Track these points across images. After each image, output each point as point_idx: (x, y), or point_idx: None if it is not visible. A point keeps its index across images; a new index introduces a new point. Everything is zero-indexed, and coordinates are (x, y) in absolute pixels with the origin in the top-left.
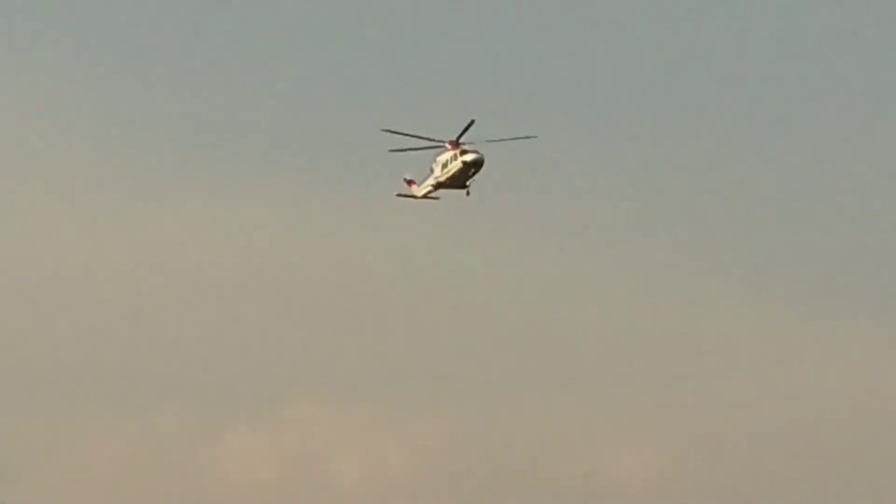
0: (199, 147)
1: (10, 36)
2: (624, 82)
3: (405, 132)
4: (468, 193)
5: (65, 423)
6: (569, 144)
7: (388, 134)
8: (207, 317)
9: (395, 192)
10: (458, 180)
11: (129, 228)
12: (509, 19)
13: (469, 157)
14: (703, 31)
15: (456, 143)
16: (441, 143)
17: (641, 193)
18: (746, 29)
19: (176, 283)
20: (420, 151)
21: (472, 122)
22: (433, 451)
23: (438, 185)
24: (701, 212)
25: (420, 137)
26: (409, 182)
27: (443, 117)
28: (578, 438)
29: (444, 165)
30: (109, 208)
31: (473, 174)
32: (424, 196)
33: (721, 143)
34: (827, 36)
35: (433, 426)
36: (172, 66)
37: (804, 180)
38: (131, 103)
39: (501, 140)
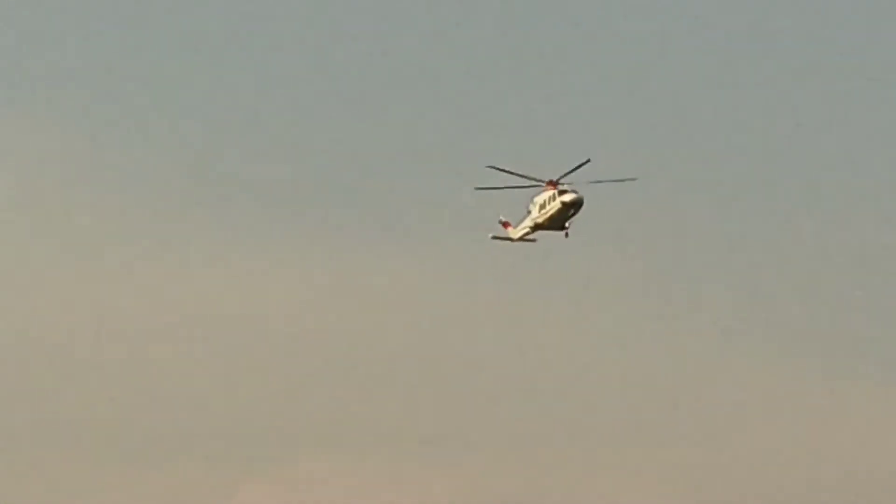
0: (231, 198)
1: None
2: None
3: (508, 170)
4: (567, 235)
5: (79, 478)
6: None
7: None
8: (223, 372)
9: (491, 235)
10: (557, 221)
11: (149, 279)
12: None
13: (568, 198)
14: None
15: (554, 183)
16: (539, 183)
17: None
18: None
19: (194, 338)
20: (504, 190)
21: (587, 161)
22: None
23: (536, 227)
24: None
25: (519, 175)
26: (505, 224)
27: (533, 156)
28: (588, 495)
29: (543, 206)
30: (127, 262)
31: (572, 215)
32: (521, 238)
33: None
34: None
35: (446, 482)
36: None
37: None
38: (148, 152)
39: (600, 182)
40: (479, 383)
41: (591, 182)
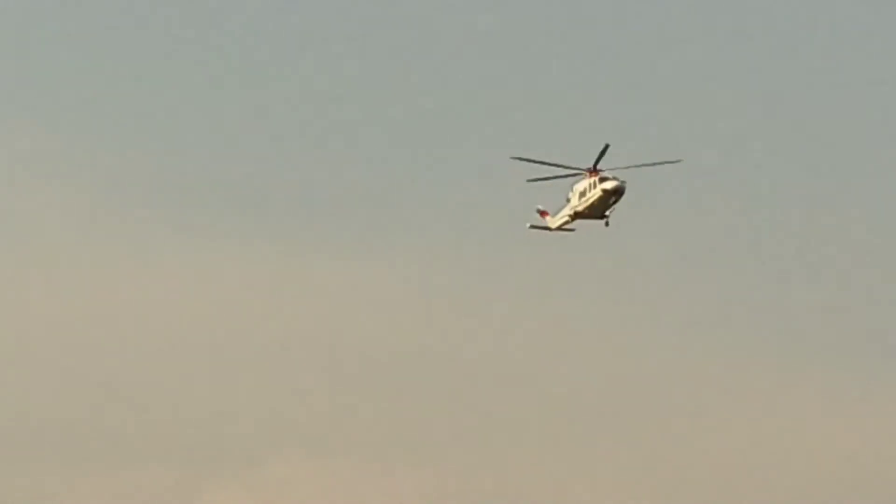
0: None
1: None
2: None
3: (538, 160)
4: (607, 224)
5: (46, 480)
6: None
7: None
8: (191, 372)
9: (529, 224)
10: (598, 210)
11: (111, 283)
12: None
13: (610, 185)
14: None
15: (594, 170)
16: (578, 171)
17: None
18: None
19: (162, 339)
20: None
21: (607, 146)
22: None
23: (576, 216)
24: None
25: (554, 165)
26: (542, 213)
27: (574, 143)
28: (562, 494)
29: (583, 194)
30: (86, 262)
31: (614, 203)
32: (559, 228)
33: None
34: None
35: (417, 483)
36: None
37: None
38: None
39: (643, 165)
40: (453, 383)
41: (633, 167)
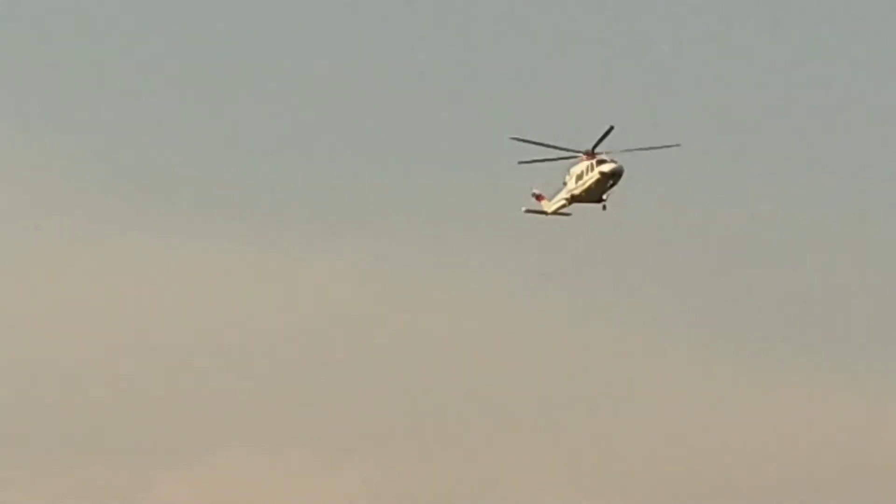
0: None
1: None
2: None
3: (535, 141)
4: (604, 208)
5: None
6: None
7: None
8: (137, 364)
9: (524, 208)
10: (595, 193)
11: (59, 277)
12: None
13: (607, 168)
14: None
15: (591, 153)
16: (575, 154)
17: None
18: None
19: (108, 331)
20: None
21: (611, 128)
22: (365, 498)
23: (573, 199)
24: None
25: (552, 147)
26: (538, 197)
27: (571, 125)
28: (513, 483)
29: (580, 177)
30: (33, 258)
31: (612, 186)
32: (555, 212)
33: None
34: None
35: (364, 474)
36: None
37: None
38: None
39: (640, 149)
40: (404, 375)
41: (629, 150)
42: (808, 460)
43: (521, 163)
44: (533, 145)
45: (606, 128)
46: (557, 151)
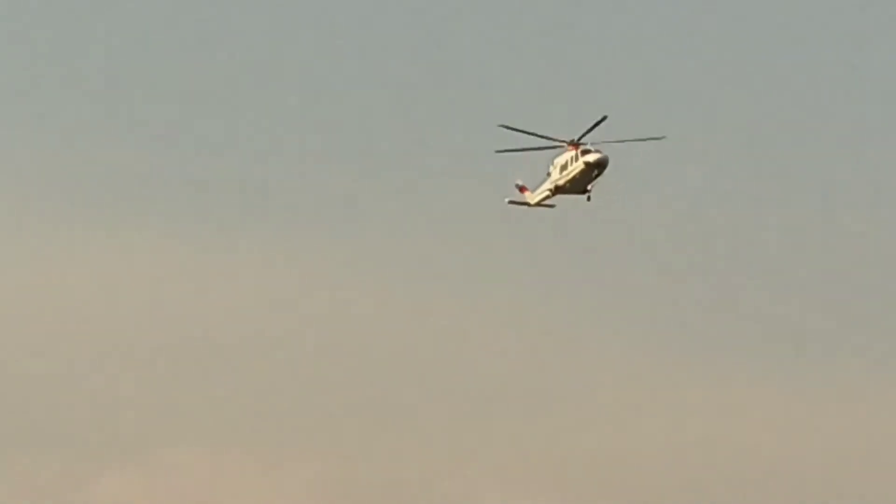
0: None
1: None
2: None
3: (522, 129)
4: (589, 199)
5: None
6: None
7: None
8: (81, 360)
9: (507, 200)
10: (579, 184)
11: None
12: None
13: (592, 158)
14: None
15: (576, 143)
16: (560, 143)
17: None
18: None
19: (52, 330)
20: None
21: (604, 118)
22: (309, 498)
23: (557, 190)
24: None
25: (538, 136)
26: (521, 188)
27: (556, 116)
28: (453, 483)
29: (564, 167)
30: None
31: (596, 177)
32: (539, 203)
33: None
34: None
35: (304, 473)
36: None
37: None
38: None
39: (624, 141)
40: (341, 376)
41: (615, 141)
42: (766, 460)
43: (498, 151)
44: (519, 134)
45: (600, 117)
46: (540, 140)
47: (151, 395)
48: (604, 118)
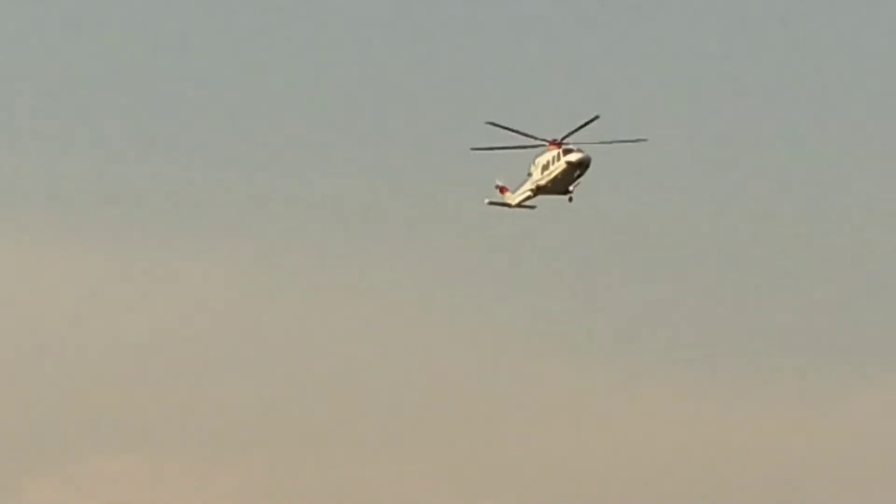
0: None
1: None
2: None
3: (508, 127)
4: (571, 199)
5: None
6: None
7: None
8: (13, 367)
9: (487, 200)
10: (561, 184)
11: None
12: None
13: (574, 157)
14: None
15: (558, 143)
16: (542, 143)
17: None
18: None
19: None
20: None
21: (596, 117)
22: (242, 501)
23: (538, 191)
24: None
25: (520, 134)
26: (502, 189)
27: (536, 116)
28: (378, 490)
29: (545, 167)
30: None
31: (578, 177)
32: (520, 204)
33: None
34: None
35: (233, 477)
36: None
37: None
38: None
39: (607, 142)
40: (277, 378)
41: (598, 143)
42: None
43: (473, 149)
44: (500, 131)
45: (592, 116)
46: (520, 139)
47: (81, 402)
48: (595, 118)
